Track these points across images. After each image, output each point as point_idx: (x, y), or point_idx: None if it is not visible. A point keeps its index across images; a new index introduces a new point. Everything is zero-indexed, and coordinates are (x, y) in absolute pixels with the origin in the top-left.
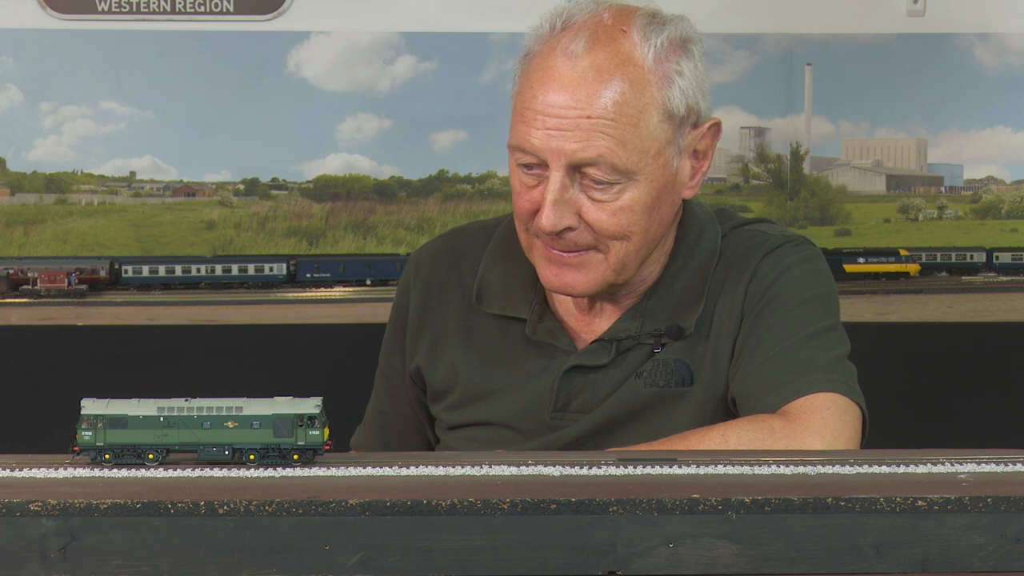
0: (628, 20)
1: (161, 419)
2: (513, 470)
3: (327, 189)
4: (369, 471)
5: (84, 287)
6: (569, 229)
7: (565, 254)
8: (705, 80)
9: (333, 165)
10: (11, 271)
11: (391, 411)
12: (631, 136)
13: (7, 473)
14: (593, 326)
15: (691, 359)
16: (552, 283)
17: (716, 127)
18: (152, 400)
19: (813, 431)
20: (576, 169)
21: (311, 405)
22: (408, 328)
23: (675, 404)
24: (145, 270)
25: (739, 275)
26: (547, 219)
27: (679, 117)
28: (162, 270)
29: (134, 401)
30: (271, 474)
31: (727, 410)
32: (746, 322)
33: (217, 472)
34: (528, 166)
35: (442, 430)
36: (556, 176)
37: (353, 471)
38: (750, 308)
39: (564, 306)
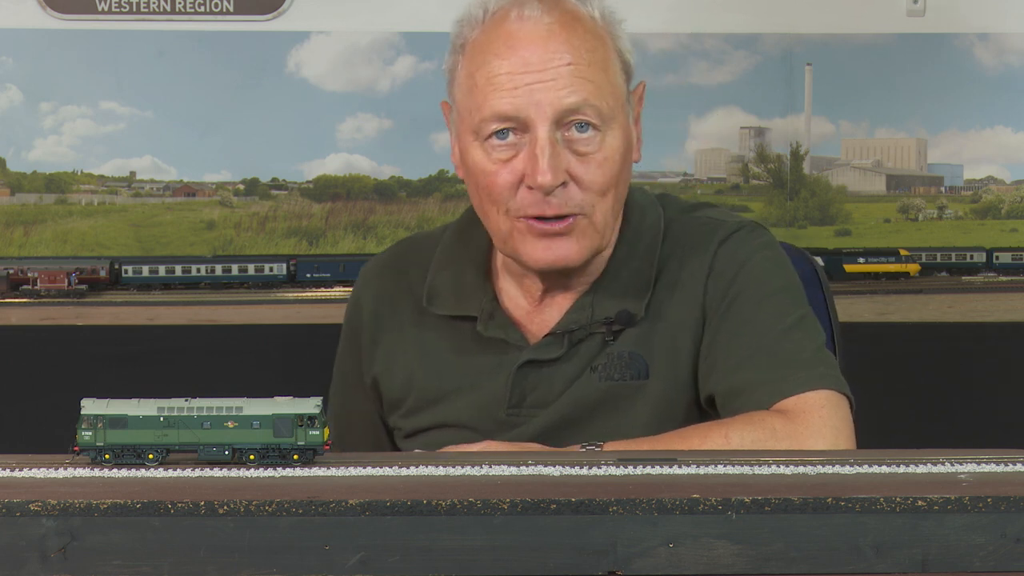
0: None
1: (161, 419)
2: (513, 470)
3: (327, 189)
4: (369, 471)
5: (84, 287)
6: (562, 186)
7: (555, 223)
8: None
9: (333, 165)
10: (11, 271)
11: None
12: (604, 81)
13: (7, 473)
14: (544, 319)
15: (646, 351)
16: (544, 258)
17: (643, 88)
18: (152, 400)
19: (814, 431)
20: (558, 124)
21: (311, 405)
22: (363, 342)
23: (632, 399)
24: (145, 270)
25: (694, 264)
26: (544, 176)
27: (630, 72)
28: (162, 270)
29: (134, 401)
30: (271, 474)
31: (688, 405)
32: (714, 318)
33: (217, 472)
34: (502, 134)
35: (400, 439)
36: (543, 131)
37: (353, 471)
38: (715, 303)
39: (514, 302)
